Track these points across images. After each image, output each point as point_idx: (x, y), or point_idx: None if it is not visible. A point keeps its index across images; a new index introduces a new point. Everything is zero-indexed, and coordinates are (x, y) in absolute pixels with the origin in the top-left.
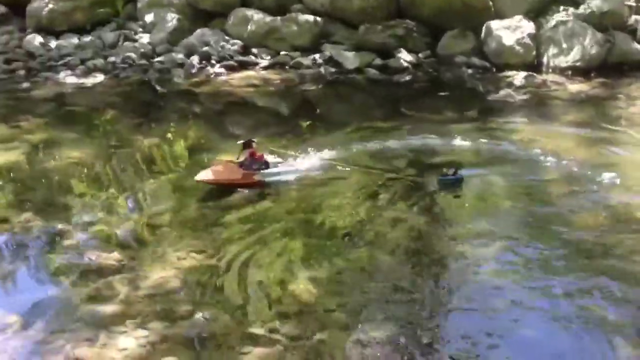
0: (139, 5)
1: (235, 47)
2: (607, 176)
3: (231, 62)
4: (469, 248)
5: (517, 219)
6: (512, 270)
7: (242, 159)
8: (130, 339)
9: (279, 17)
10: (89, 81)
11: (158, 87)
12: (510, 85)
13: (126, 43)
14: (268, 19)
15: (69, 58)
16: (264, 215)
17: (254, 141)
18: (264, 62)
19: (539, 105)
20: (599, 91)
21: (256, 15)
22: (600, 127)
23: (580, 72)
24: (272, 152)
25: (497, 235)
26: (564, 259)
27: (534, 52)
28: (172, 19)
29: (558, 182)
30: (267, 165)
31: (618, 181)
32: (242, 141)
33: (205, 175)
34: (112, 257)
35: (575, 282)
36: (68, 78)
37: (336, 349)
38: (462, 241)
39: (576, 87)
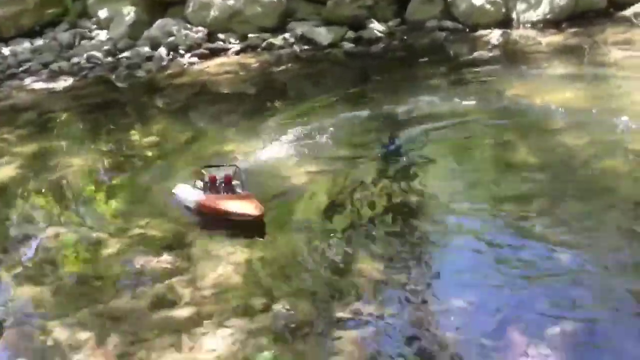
0: (90, 1)
1: (200, 35)
2: (620, 121)
3: (202, 50)
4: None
5: (545, 173)
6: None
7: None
8: (217, 339)
9: (241, 0)
10: (59, 85)
11: (131, 84)
12: (487, 43)
13: (84, 42)
14: (230, 2)
15: (28, 64)
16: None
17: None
18: (235, 47)
19: (522, 59)
20: (575, 40)
21: None
22: (591, 75)
23: (551, 24)
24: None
25: (533, 189)
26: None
27: (504, 9)
28: (128, 12)
29: (572, 131)
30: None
31: (632, 125)
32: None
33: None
34: (163, 260)
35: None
36: (35, 84)
37: (419, 320)
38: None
39: (551, 39)
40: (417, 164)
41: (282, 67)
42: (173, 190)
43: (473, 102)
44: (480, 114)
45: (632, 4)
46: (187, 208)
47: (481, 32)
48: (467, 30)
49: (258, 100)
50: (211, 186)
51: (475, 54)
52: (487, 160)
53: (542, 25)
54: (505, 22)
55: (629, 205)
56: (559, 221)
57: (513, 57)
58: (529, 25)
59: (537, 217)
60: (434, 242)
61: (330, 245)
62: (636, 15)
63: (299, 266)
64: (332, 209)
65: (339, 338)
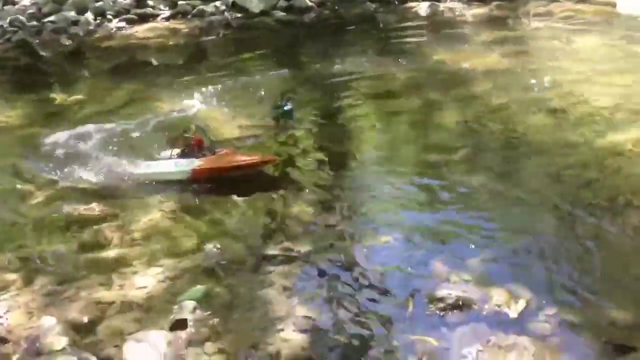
0: None
1: (128, 0)
2: (540, 81)
3: (130, 16)
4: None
5: (468, 128)
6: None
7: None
8: (147, 278)
9: None
10: None
11: (56, 48)
12: (416, 15)
13: (7, 7)
14: None
15: None
16: None
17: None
18: (165, 13)
19: (448, 29)
20: (500, 12)
21: None
22: (512, 42)
23: None
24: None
25: (455, 142)
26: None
27: None
28: None
29: (495, 91)
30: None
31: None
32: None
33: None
34: (92, 208)
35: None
36: None
37: (348, 255)
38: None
39: (476, 11)
40: (342, 120)
41: (213, 34)
42: (137, 172)
43: (400, 64)
44: (404, 74)
45: None
46: (171, 181)
47: (410, 4)
48: (397, 2)
49: (188, 64)
50: (197, 151)
51: (404, 24)
52: (410, 116)
53: None
54: None
55: (547, 154)
56: (480, 167)
57: (440, 27)
58: None
59: (458, 164)
60: (360, 187)
61: (262, 192)
62: None
63: (229, 212)
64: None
65: (269, 272)
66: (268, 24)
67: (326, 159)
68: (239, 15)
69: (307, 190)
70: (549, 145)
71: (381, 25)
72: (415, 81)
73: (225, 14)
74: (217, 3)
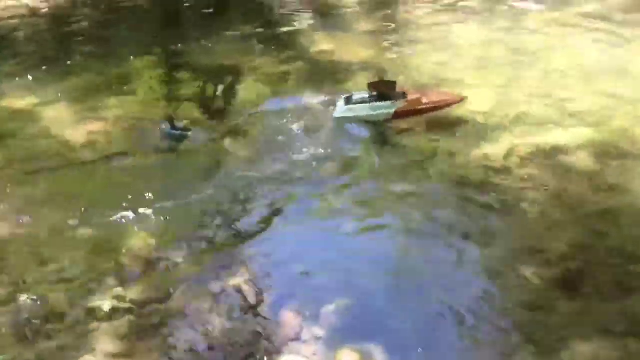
0: None
1: None
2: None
3: None
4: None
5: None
6: None
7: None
8: None
9: None
10: None
11: None
12: None
13: None
14: None
15: None
16: None
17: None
18: None
19: (331, 15)
20: None
21: None
22: (395, 33)
23: None
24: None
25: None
26: None
27: None
28: None
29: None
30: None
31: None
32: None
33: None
34: None
35: None
36: None
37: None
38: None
39: None
40: None
41: (78, 14)
42: (337, 115)
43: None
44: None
45: None
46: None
47: None
48: None
49: (50, 49)
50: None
51: (287, 8)
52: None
53: None
54: None
55: (417, 170)
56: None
57: (323, 12)
58: None
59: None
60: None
61: (97, 219)
62: None
63: (57, 246)
64: (110, 180)
65: (94, 331)
66: (136, 2)
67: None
68: None
69: (151, 219)
70: (420, 161)
71: (265, 11)
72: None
73: None
74: None
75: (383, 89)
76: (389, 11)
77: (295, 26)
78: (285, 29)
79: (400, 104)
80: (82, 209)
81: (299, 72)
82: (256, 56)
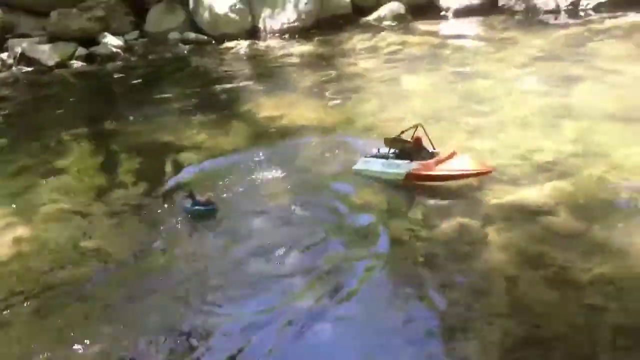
0: None
1: None
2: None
3: None
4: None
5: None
6: None
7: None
8: None
9: None
10: None
11: None
12: (236, 56)
13: None
14: None
15: None
16: None
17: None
18: None
19: (272, 72)
20: (324, 49)
21: None
22: (338, 90)
23: (300, 31)
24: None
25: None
26: None
27: (250, 18)
28: None
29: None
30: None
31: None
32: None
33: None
34: None
35: None
36: None
37: None
38: None
39: (302, 48)
40: None
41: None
42: (355, 168)
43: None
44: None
45: (375, 9)
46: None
47: (228, 43)
48: (214, 41)
49: None
50: (415, 152)
51: (224, 68)
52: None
53: (290, 33)
54: (253, 32)
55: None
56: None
57: (263, 70)
58: (277, 34)
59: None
60: None
61: None
62: (379, 19)
63: None
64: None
65: None
66: (64, 79)
67: None
68: (30, 69)
69: None
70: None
71: (198, 71)
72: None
73: (14, 68)
74: (4, 55)
75: (397, 146)
76: (333, 64)
77: (236, 88)
78: (225, 92)
79: (414, 166)
80: None
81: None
82: (192, 126)
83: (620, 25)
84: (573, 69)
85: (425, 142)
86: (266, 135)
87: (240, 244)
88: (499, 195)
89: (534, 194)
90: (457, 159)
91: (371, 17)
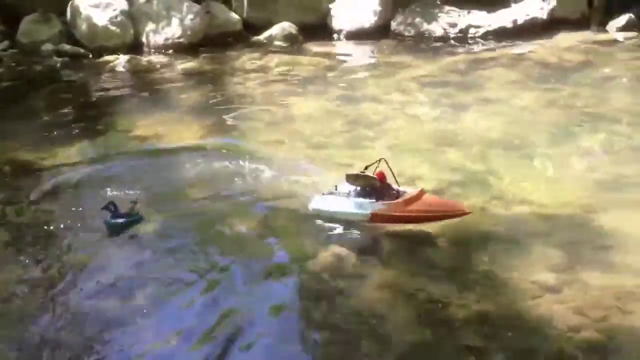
0: None
1: None
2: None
3: None
4: None
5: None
6: None
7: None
8: None
9: None
10: None
11: None
12: (114, 71)
13: None
14: None
15: None
16: None
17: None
18: None
19: (153, 90)
20: (211, 67)
21: None
22: (223, 112)
23: (185, 48)
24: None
25: None
26: None
27: (132, 32)
28: None
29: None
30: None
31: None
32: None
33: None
34: None
35: None
36: None
37: None
38: None
39: (185, 65)
40: None
41: None
42: (313, 207)
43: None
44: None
45: (267, 28)
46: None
47: (107, 57)
48: (91, 55)
49: None
50: (380, 189)
51: (99, 83)
52: None
53: (174, 49)
54: (135, 46)
55: None
56: None
57: (142, 86)
58: (161, 50)
59: None
60: None
61: None
62: (269, 38)
63: None
64: None
65: None
66: None
67: None
68: None
69: None
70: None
71: (73, 87)
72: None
73: None
74: None
75: (361, 183)
76: (219, 83)
77: (109, 105)
78: (96, 109)
79: (379, 206)
80: None
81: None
82: (57, 144)
83: (507, 54)
84: (460, 96)
85: (389, 179)
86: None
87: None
88: (377, 225)
89: (413, 225)
90: (427, 198)
91: (262, 36)
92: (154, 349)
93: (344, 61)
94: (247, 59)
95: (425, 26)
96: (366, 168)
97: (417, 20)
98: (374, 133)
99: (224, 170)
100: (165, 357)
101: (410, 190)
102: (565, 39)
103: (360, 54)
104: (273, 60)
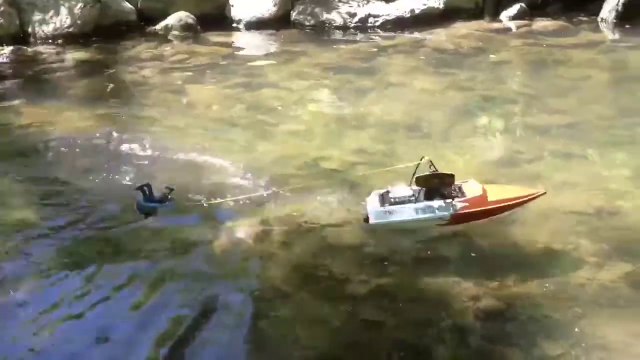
0: None
1: None
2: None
3: None
4: None
5: None
6: None
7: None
8: None
9: None
10: None
11: None
12: None
13: None
14: None
15: None
16: None
17: None
18: None
19: (39, 81)
20: (103, 57)
21: None
22: (116, 97)
23: (75, 38)
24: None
25: None
26: None
27: (18, 22)
28: None
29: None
30: None
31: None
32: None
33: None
34: None
35: None
36: None
37: None
38: None
39: (76, 55)
40: None
41: None
42: (374, 222)
43: None
44: None
45: (163, 18)
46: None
47: None
48: None
49: None
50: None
51: None
52: None
53: (64, 39)
54: (20, 37)
55: None
56: None
57: (28, 77)
58: (49, 41)
59: None
60: None
61: None
62: (166, 29)
63: None
64: None
65: None
66: None
67: None
68: None
69: None
70: None
71: None
72: None
73: None
74: None
75: (437, 183)
76: (112, 71)
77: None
78: None
79: (460, 205)
80: None
81: None
82: None
83: (406, 42)
84: (362, 82)
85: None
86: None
87: None
88: (281, 207)
89: (318, 205)
90: (500, 188)
91: (158, 26)
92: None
93: (244, 50)
94: (142, 49)
95: (325, 16)
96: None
97: (317, 10)
98: (275, 119)
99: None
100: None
101: (471, 183)
102: (461, 28)
103: (260, 44)
104: (170, 49)
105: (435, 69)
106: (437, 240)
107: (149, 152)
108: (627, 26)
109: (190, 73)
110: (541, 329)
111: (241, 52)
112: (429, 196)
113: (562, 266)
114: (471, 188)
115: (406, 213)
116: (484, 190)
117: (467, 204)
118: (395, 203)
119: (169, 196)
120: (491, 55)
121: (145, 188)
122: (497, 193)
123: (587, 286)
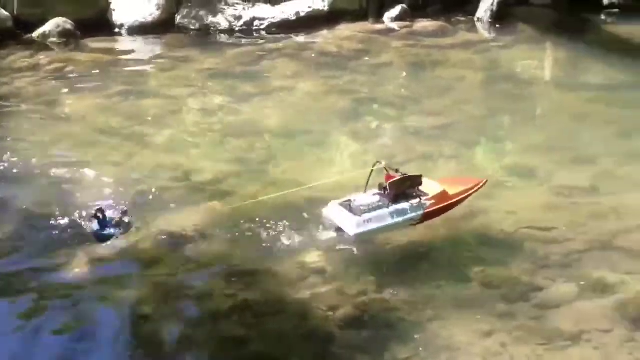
0: None
1: None
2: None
3: None
4: None
5: None
6: None
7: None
8: None
9: None
10: None
11: None
12: None
13: None
14: None
15: None
16: None
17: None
18: None
19: None
20: None
21: None
22: None
23: None
24: None
25: None
26: None
27: None
28: None
29: None
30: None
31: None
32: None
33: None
34: None
35: None
36: None
37: None
38: None
39: None
40: None
41: None
42: (356, 233)
43: None
44: None
45: (42, 24)
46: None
47: None
48: None
49: None
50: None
51: None
52: None
53: None
54: None
55: None
56: None
57: None
58: None
59: None
60: None
61: None
62: (44, 36)
63: None
64: None
65: None
66: None
67: None
68: None
69: None
70: None
71: None
72: None
73: None
74: None
75: (409, 185)
76: None
77: None
78: None
79: (428, 204)
80: None
81: None
82: None
83: (290, 45)
84: (245, 88)
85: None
86: None
87: None
88: (149, 223)
89: (184, 218)
90: (450, 181)
91: (35, 34)
92: None
93: (125, 57)
94: (17, 58)
95: (211, 19)
96: (396, 171)
97: (202, 13)
98: (154, 128)
99: None
100: None
101: (427, 183)
102: (345, 30)
103: (143, 49)
104: (46, 58)
105: (317, 72)
106: (299, 254)
107: (11, 171)
108: (497, 25)
109: (66, 83)
110: (395, 333)
111: (122, 59)
112: (394, 200)
113: (419, 270)
114: (431, 187)
115: (384, 219)
116: (443, 187)
117: (434, 201)
118: (368, 211)
119: (126, 219)
120: (380, 57)
121: (99, 215)
122: (452, 187)
123: (442, 288)
